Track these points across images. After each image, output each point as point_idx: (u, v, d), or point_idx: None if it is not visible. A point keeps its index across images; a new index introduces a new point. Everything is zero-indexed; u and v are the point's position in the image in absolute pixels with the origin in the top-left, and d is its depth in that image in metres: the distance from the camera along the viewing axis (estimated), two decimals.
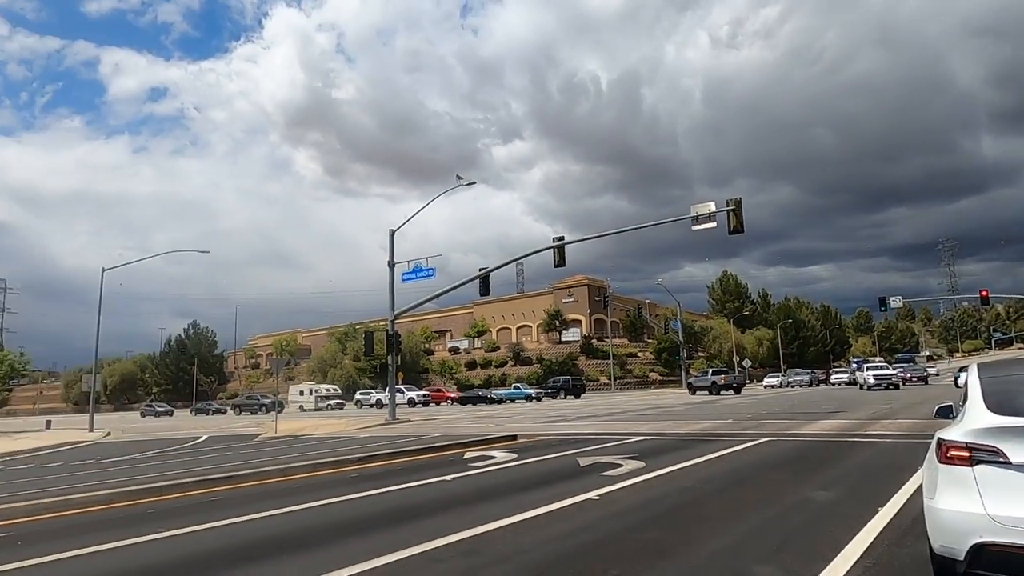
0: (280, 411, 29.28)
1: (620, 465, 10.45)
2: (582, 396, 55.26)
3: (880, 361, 61.50)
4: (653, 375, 79.39)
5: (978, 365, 4.86)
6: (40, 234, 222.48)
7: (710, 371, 53.16)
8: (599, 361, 79.47)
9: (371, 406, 55.22)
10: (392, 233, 30.96)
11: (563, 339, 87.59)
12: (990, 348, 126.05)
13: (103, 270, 36.00)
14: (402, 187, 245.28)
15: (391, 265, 30.57)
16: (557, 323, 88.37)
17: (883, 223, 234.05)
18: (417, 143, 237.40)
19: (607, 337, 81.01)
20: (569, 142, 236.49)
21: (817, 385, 60.28)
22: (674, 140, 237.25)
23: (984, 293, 47.87)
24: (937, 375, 59.61)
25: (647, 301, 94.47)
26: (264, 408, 54.96)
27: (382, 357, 43.88)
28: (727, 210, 22.34)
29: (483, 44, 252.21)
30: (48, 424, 41.63)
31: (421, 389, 60.26)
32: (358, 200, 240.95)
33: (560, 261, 27.19)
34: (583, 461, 11.29)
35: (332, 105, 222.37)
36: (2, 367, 45.47)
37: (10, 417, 78.73)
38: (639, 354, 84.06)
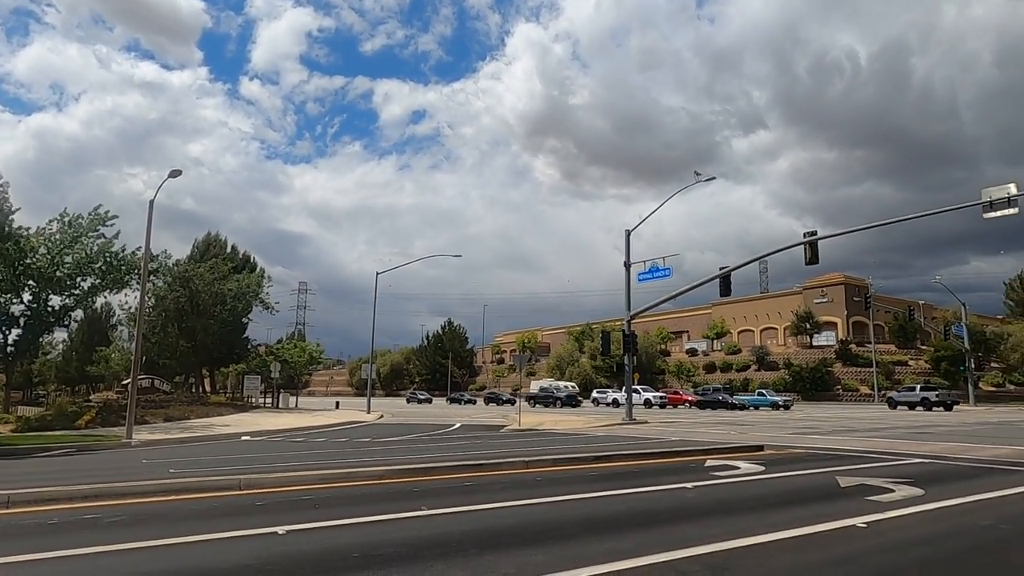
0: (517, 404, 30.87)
1: (891, 490, 9.14)
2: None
3: None
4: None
5: None
6: (330, 244, 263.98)
7: (918, 386, 51.98)
8: (858, 369, 70.97)
9: (608, 405, 55.83)
10: (628, 234, 30.94)
11: (815, 343, 79.88)
12: None
13: (377, 274, 41.65)
14: (637, 187, 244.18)
15: (627, 265, 30.55)
16: (807, 325, 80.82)
17: None
18: (651, 141, 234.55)
19: (869, 342, 71.93)
20: (820, 127, 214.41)
21: None
22: (954, 113, 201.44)
23: None
24: None
25: (921, 302, 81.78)
26: (506, 402, 58.79)
27: (618, 356, 44.18)
28: None
29: (720, 32, 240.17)
30: (337, 405, 49.47)
31: (657, 390, 59.37)
32: (593, 202, 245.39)
33: (812, 258, 24.78)
34: (843, 481, 10.10)
35: (568, 111, 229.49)
36: (304, 355, 55.15)
37: (310, 397, 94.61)
38: (910, 363, 73.21)
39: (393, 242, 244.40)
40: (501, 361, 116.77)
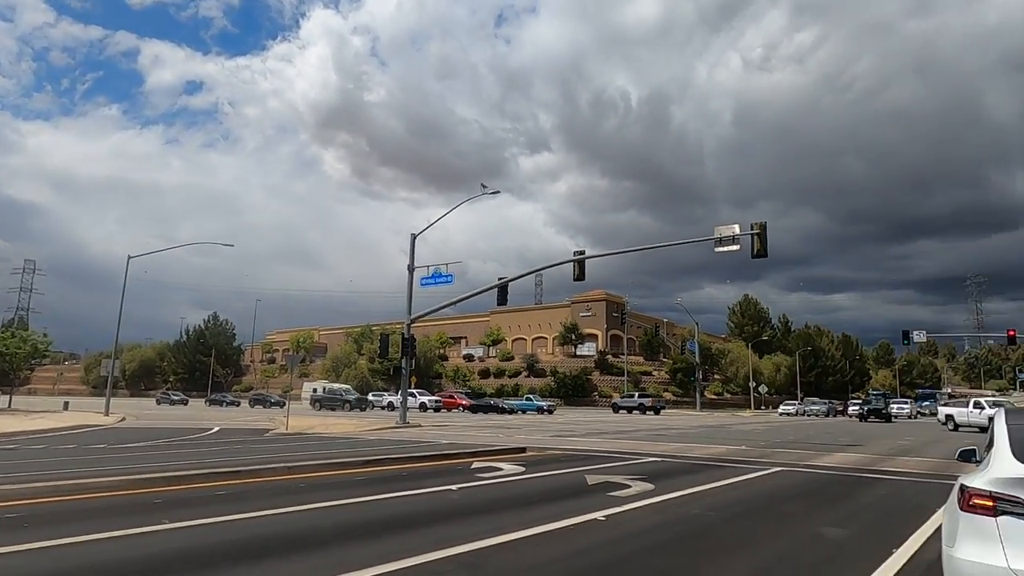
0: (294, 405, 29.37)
1: (628, 486, 10.30)
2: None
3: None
4: (667, 395, 78.57)
5: (1006, 411, 4.71)
6: (71, 218, 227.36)
7: (636, 394, 61.78)
8: (613, 377, 78.99)
9: (383, 408, 55.34)
10: (414, 238, 31.09)
11: (578, 353, 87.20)
12: (1014, 389, 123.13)
13: (129, 257, 36.60)
14: (427, 192, 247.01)
15: (411, 269, 30.67)
16: (573, 336, 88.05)
17: (910, 255, 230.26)
18: (444, 149, 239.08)
19: (623, 354, 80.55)
20: (596, 156, 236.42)
21: (834, 416, 59.26)
22: (701, 160, 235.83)
23: (1012, 333, 46.82)
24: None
25: (665, 320, 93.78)
26: (275, 404, 55.43)
27: (396, 360, 44.06)
28: (751, 233, 22.10)
29: (515, 54, 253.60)
30: (66, 406, 42.31)
31: (434, 394, 60.29)
32: (383, 203, 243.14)
33: (580, 275, 27.08)
34: (591, 479, 11.15)
35: (363, 108, 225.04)
36: (25, 346, 46.11)
37: (31, 396, 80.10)
38: (654, 373, 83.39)
39: (153, 224, 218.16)
40: (272, 361, 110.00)
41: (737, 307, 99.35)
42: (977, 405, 34.00)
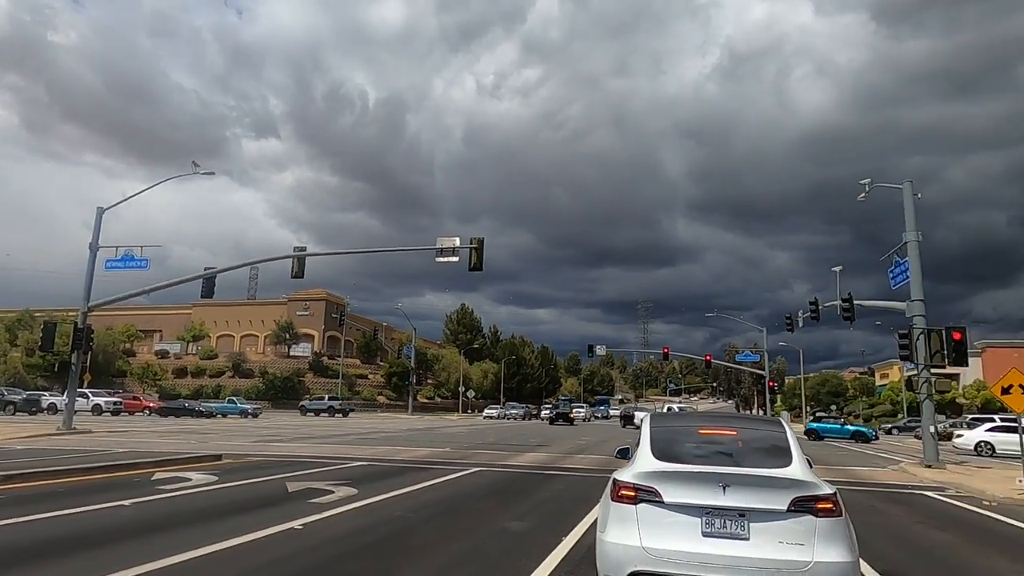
0: None
1: (331, 492, 10.10)
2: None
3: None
4: (381, 398, 79.25)
5: (651, 415, 5.70)
6: None
7: (327, 396, 61.74)
8: (328, 380, 77.03)
9: (44, 411, 46.11)
10: (101, 212, 26.63)
11: (292, 353, 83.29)
12: (666, 396, 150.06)
13: None
14: (126, 162, 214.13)
15: (93, 248, 26.21)
16: (288, 336, 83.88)
17: (599, 279, 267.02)
18: (153, 116, 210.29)
19: (339, 356, 79.03)
20: (327, 152, 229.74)
21: (530, 419, 65.61)
22: (431, 171, 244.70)
23: (666, 350, 57.02)
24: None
25: (385, 324, 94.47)
26: None
27: (65, 353, 37.14)
28: (470, 247, 23.50)
29: (247, 27, 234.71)
30: None
31: (113, 395, 52.12)
32: (63, 166, 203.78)
33: (299, 272, 25.93)
34: (292, 486, 10.69)
35: (44, 48, 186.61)
36: None
37: None
38: (370, 376, 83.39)
39: None
40: None
41: (454, 315, 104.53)
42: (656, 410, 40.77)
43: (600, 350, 60.96)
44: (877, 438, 41.07)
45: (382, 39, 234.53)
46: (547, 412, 64.21)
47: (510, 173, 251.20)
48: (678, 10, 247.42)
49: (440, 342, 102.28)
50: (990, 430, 28.40)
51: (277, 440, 22.73)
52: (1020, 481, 13.45)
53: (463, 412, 74.19)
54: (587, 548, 6.60)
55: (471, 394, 77.39)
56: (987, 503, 11.95)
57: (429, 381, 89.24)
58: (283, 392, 72.61)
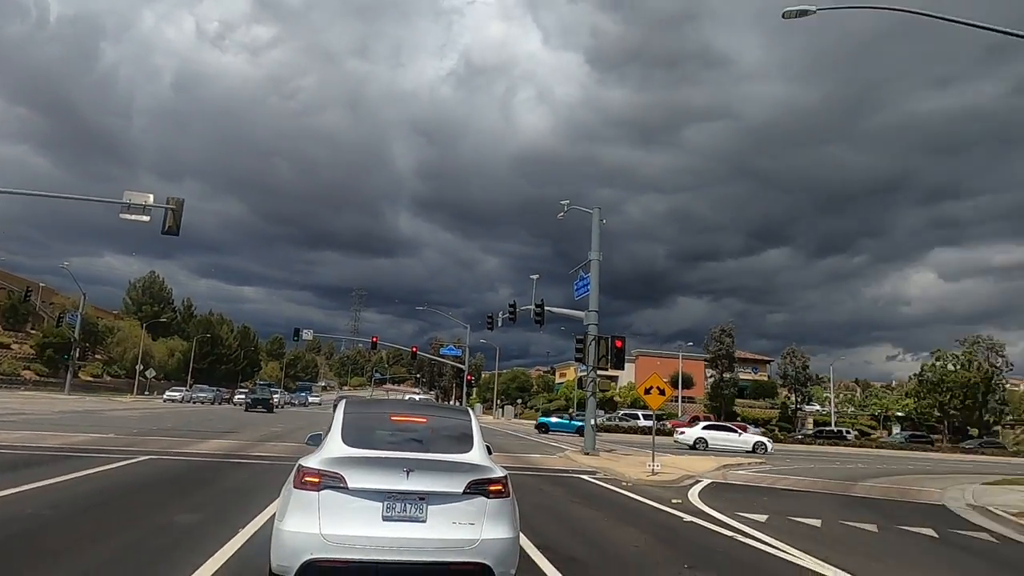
0: None
1: None
2: None
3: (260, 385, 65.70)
4: (28, 373, 65.62)
5: (346, 401, 5.64)
6: None
7: None
8: None
9: None
10: None
11: None
12: (371, 385, 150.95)
13: None
14: None
15: None
16: None
17: (315, 262, 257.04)
18: None
19: None
20: None
21: (221, 404, 60.43)
22: (128, 114, 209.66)
23: (375, 339, 57.38)
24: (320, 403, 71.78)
25: (42, 284, 78.45)
26: None
27: None
28: (166, 207, 20.73)
29: None
30: None
31: None
32: None
33: None
34: None
35: None
36: None
37: None
38: (14, 346, 68.63)
39: None
40: None
41: (139, 283, 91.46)
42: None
43: (307, 334, 58.72)
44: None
45: None
46: (241, 397, 59.85)
47: (227, 135, 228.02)
48: (423, 8, 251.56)
49: (118, 312, 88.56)
50: (705, 428, 35.15)
51: None
52: (649, 466, 16.44)
53: (139, 394, 65.34)
54: (265, 540, 6.26)
55: (150, 373, 68.39)
56: (625, 484, 14.36)
57: (98, 356, 76.70)
58: None
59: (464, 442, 5.03)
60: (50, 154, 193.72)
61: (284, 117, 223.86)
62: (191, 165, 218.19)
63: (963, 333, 65.79)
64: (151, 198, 20.74)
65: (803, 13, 12.14)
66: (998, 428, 62.93)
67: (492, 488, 4.53)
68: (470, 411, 5.85)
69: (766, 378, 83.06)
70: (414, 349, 59.73)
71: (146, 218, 20.64)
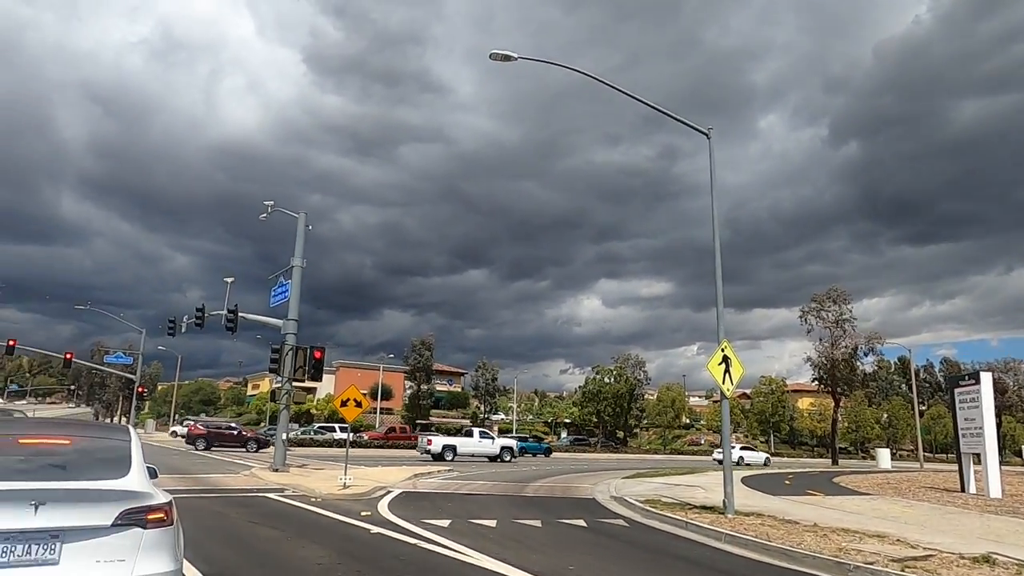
0: None
1: None
2: None
3: None
4: None
5: None
6: None
7: None
8: None
9: None
10: None
11: None
12: (2, 399, 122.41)
13: None
14: None
15: None
16: None
17: None
18: None
19: None
20: None
21: None
22: None
23: (13, 342, 46.78)
24: None
25: None
26: None
27: None
28: None
29: None
30: None
31: None
32: None
33: None
34: None
35: None
36: None
37: None
38: None
39: None
40: None
41: None
42: None
43: None
44: (551, 451, 49.90)
45: None
46: None
47: None
48: None
49: None
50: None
51: None
52: (341, 479, 16.19)
53: None
54: None
55: None
56: (315, 499, 13.91)
57: None
58: None
59: (120, 465, 4.37)
60: None
61: None
62: None
63: (617, 351, 78.55)
64: None
65: (507, 58, 13.37)
66: (637, 430, 76.27)
67: (151, 517, 4.00)
68: (130, 429, 5.12)
69: (460, 389, 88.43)
70: (68, 355, 50.10)
71: None
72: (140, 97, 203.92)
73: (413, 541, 8.94)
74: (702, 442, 73.48)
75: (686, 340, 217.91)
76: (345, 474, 16.29)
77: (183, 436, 44.18)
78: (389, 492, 15.53)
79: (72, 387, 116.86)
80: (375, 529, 9.97)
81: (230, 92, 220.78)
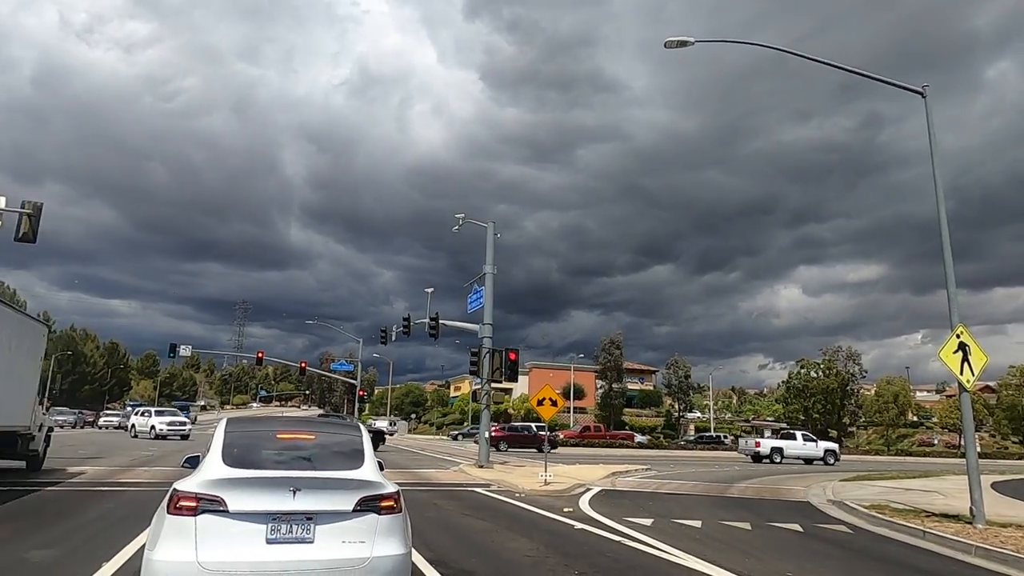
0: None
1: None
2: None
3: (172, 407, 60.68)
4: None
5: (228, 419, 5.35)
6: None
7: None
8: None
9: None
10: None
11: None
12: (255, 403, 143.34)
13: None
14: None
15: None
16: None
17: (195, 273, 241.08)
18: None
19: None
20: None
21: (83, 427, 55.22)
22: None
23: (261, 355, 54.69)
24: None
25: None
26: None
27: None
28: (21, 212, 18.78)
29: None
30: None
31: None
32: None
33: None
34: None
35: None
36: None
37: None
38: None
39: None
40: None
41: None
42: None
43: (184, 350, 54.75)
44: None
45: None
46: (108, 420, 55.34)
47: (98, 135, 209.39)
48: (316, 14, 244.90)
49: None
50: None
51: None
52: (542, 476, 16.69)
53: None
54: (134, 572, 5.81)
55: None
56: (519, 495, 14.49)
57: None
58: None
59: (355, 458, 4.91)
60: None
61: (159, 118, 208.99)
62: (53, 167, 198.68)
63: (823, 343, 71.98)
64: (2, 201, 18.74)
65: (683, 43, 12.93)
66: (853, 429, 69.16)
67: (384, 504, 4.44)
68: (361, 426, 5.73)
69: (652, 388, 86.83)
70: (303, 364, 57.37)
71: None
72: (345, 131, 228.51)
73: (616, 538, 8.94)
74: (935, 442, 64.64)
75: (907, 328, 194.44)
76: (545, 471, 16.76)
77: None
78: (589, 489, 15.69)
79: (307, 392, 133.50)
80: (579, 525, 10.13)
81: (419, 116, 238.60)
